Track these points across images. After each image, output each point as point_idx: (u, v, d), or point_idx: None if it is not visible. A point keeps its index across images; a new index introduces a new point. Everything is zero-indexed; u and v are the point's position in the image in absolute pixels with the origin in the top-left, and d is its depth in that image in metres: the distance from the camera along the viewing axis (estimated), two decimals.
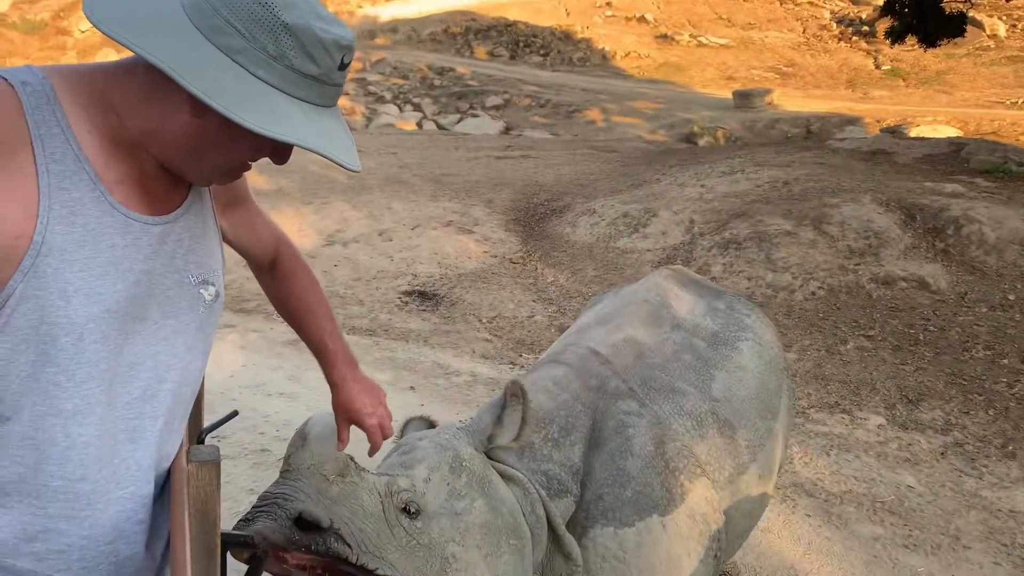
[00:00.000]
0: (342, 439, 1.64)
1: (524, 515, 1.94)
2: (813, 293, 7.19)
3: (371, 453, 1.70)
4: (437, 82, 25.35)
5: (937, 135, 15.07)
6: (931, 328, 6.52)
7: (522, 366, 6.03)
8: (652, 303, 2.73)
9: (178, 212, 1.25)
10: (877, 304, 6.94)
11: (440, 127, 20.48)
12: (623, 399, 2.28)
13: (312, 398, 5.04)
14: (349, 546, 1.57)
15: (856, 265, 7.47)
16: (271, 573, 1.60)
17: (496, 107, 22.92)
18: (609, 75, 28.32)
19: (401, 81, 25.37)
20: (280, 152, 1.20)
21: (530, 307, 7.37)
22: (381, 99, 23.37)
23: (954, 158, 10.61)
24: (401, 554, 1.65)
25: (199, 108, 1.08)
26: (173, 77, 1.02)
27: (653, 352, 2.49)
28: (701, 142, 18.08)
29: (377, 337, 6.52)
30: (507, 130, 20.17)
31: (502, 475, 1.96)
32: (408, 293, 7.57)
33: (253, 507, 1.56)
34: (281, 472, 1.62)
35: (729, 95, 23.16)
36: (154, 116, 1.12)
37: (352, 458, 1.70)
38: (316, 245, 8.57)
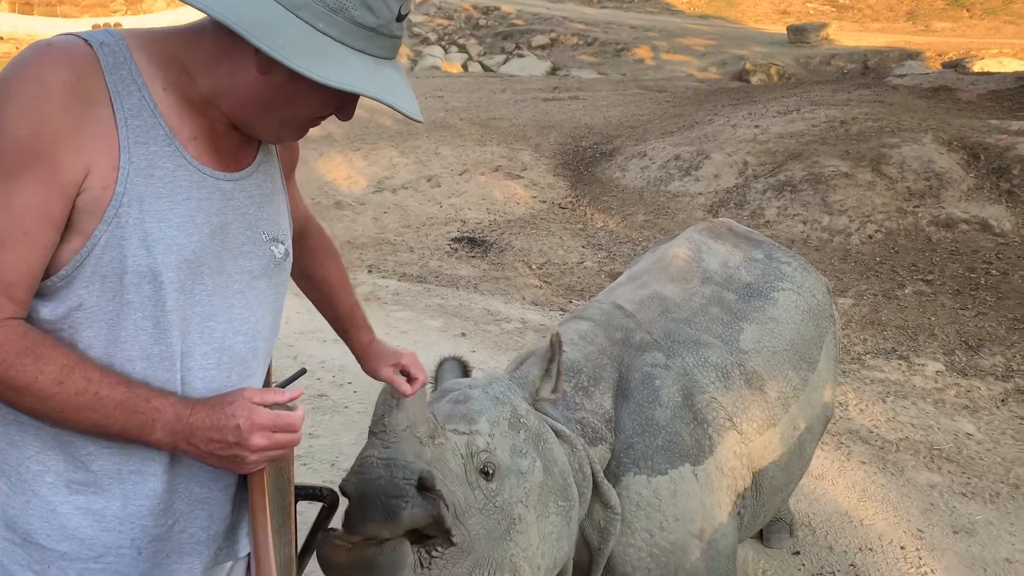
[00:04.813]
0: (403, 390, 1.61)
1: (573, 474, 1.94)
2: (870, 236, 7.03)
3: (409, 391, 1.61)
4: (482, 22, 25.02)
5: (1003, 69, 14.45)
6: (993, 272, 6.35)
7: None
8: (683, 258, 2.70)
9: (248, 170, 1.30)
10: (937, 247, 6.77)
11: (485, 68, 20.24)
12: (649, 351, 2.28)
13: None
14: (448, 507, 1.56)
15: (915, 207, 7.27)
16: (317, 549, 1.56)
17: (542, 46, 22.55)
18: (658, 11, 27.60)
19: (446, 22, 25.08)
20: (345, 108, 1.23)
21: (580, 253, 7.35)
22: (426, 40, 23.17)
23: (1022, 94, 10.18)
24: (478, 517, 1.65)
25: (266, 64, 1.13)
26: (241, 34, 1.06)
27: (679, 307, 2.47)
28: (754, 80, 17.61)
29: (428, 284, 6.57)
30: (554, 70, 19.87)
31: (553, 430, 1.97)
32: (457, 240, 7.59)
33: (353, 471, 1.55)
34: (373, 432, 1.59)
35: (783, 30, 22.46)
36: (224, 74, 1.17)
37: (435, 416, 1.69)
38: (365, 191, 8.62)
